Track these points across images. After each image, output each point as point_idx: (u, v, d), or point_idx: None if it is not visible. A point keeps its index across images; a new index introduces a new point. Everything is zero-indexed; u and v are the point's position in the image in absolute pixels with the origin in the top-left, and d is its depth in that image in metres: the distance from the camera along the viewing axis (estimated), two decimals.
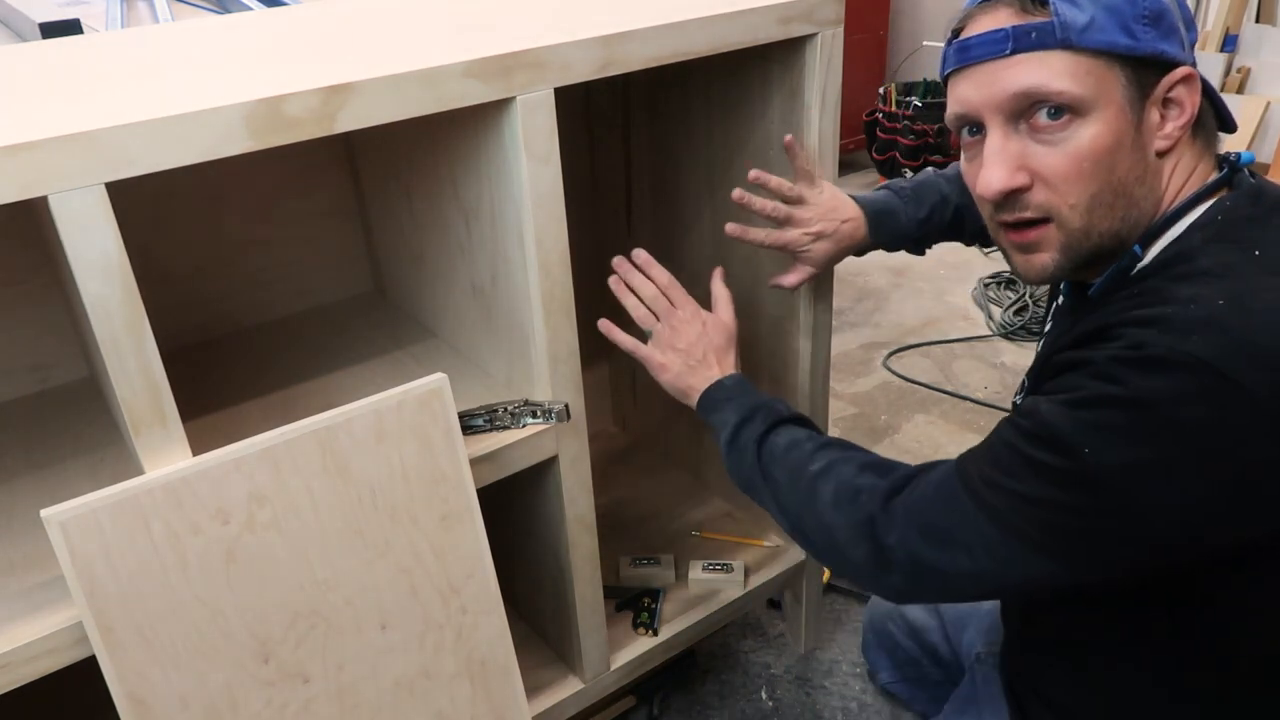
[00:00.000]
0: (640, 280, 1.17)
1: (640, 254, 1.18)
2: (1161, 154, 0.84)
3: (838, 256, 1.20)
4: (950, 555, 0.84)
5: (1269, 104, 3.19)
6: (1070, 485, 0.77)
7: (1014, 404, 0.97)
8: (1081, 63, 0.80)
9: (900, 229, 1.20)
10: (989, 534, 0.81)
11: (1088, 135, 0.81)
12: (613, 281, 1.19)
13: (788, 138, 1.15)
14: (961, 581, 0.85)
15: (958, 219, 1.22)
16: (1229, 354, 0.72)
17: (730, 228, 1.18)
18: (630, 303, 1.18)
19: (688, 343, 1.13)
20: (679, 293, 1.16)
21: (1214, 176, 0.86)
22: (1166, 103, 0.84)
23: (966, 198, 1.19)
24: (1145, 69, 0.82)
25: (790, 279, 1.22)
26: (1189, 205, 0.84)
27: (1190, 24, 0.85)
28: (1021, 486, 0.79)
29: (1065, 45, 0.80)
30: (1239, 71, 3.35)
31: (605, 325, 1.18)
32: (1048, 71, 0.81)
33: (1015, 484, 0.80)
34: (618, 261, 1.19)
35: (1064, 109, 0.81)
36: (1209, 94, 0.87)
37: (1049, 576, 0.81)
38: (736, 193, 1.16)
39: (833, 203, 1.18)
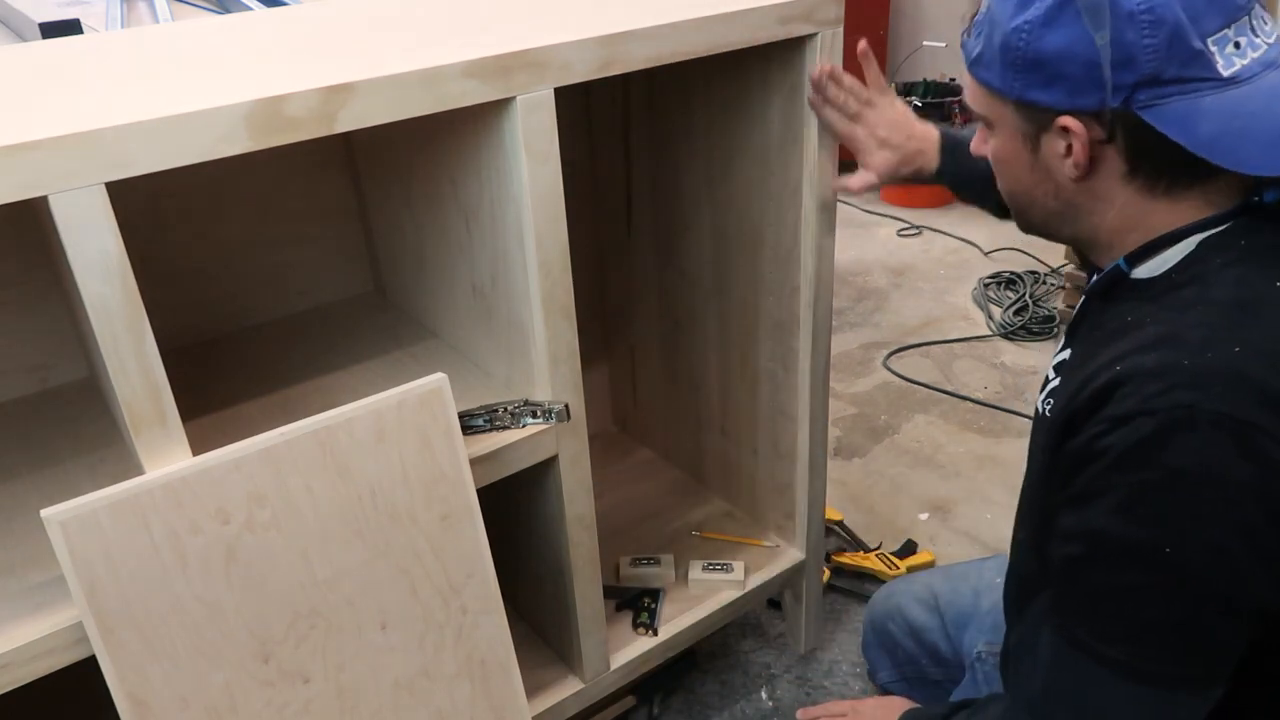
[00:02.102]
0: None
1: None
2: (1080, 180, 0.83)
3: (899, 171, 1.22)
4: None
5: None
6: (1176, 588, 0.76)
7: (1037, 410, 0.96)
8: (977, 87, 0.87)
9: (975, 165, 1.09)
10: (1133, 693, 0.79)
11: (993, 145, 0.90)
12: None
13: (861, 44, 1.19)
14: None
15: None
16: (1253, 405, 0.72)
17: (812, 97, 1.19)
18: None
19: None
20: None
21: (1222, 209, 0.81)
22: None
23: None
24: (1032, 108, 0.82)
25: (853, 181, 1.24)
26: (1185, 233, 0.81)
27: (1124, 64, 0.75)
28: (1141, 615, 0.78)
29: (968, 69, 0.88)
30: None
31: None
32: (968, 85, 0.89)
33: (1129, 616, 0.78)
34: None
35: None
36: (1161, 137, 0.77)
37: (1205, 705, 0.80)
38: (815, 77, 1.17)
39: (902, 119, 1.22)
